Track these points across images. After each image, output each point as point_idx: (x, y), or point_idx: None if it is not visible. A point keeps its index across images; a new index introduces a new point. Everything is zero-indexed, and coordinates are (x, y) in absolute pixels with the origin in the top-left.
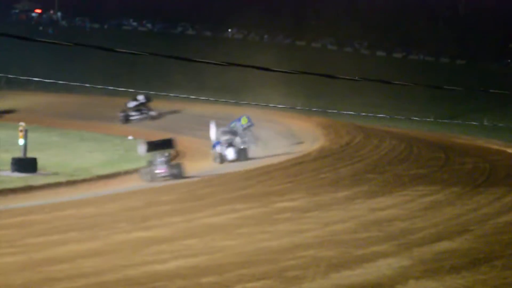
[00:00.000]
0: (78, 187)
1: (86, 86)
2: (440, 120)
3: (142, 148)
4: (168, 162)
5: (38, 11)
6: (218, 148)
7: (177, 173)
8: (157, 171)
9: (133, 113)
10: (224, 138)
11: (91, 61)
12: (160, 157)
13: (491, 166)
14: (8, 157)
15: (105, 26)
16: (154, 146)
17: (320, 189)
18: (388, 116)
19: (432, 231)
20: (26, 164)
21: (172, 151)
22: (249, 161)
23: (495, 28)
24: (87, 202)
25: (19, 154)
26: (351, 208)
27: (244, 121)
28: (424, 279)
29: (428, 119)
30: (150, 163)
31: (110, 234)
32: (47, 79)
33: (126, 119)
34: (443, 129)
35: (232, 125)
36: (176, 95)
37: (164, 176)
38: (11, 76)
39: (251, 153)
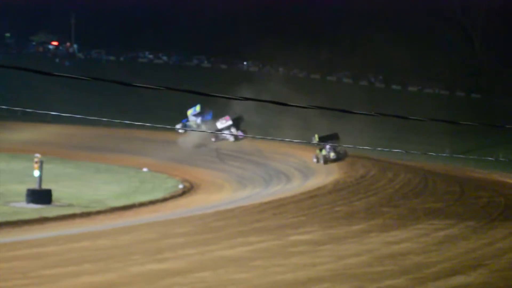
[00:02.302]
0: (93, 219)
1: (103, 120)
2: (456, 156)
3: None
4: (335, 148)
5: (55, 43)
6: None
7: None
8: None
9: None
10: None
11: (108, 93)
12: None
13: (506, 200)
14: (23, 188)
15: (121, 59)
16: (325, 138)
17: (334, 222)
18: (403, 151)
19: (447, 266)
20: (41, 196)
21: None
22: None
23: (511, 62)
24: (102, 234)
25: (34, 185)
26: (366, 242)
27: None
28: None
29: (443, 154)
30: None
31: (124, 266)
32: (64, 112)
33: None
34: (458, 163)
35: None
36: (192, 129)
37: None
38: (29, 110)
39: None
